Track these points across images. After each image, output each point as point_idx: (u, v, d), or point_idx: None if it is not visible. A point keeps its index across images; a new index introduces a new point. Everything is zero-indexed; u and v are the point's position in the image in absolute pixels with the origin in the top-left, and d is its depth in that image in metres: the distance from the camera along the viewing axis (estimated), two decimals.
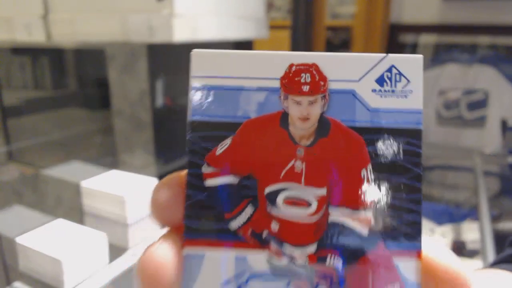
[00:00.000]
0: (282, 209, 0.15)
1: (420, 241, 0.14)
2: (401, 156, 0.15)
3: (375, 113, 0.15)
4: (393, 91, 0.15)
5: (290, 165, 0.15)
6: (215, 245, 0.15)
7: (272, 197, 0.15)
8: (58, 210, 0.80)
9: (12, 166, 1.18)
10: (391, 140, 0.15)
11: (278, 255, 0.15)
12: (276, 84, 0.15)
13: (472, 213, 1.29)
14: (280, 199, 0.15)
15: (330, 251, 0.15)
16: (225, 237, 0.15)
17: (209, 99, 0.15)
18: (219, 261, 0.15)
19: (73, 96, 1.32)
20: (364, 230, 0.15)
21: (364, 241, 0.14)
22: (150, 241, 0.15)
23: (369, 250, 0.14)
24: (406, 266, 0.14)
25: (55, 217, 0.62)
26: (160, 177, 0.74)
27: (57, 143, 1.27)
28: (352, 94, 0.15)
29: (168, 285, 0.14)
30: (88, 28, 0.97)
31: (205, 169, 0.15)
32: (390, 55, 0.15)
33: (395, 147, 0.15)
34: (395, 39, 1.79)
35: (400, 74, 0.15)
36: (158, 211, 0.15)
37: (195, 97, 0.15)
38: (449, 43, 1.72)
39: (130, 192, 0.67)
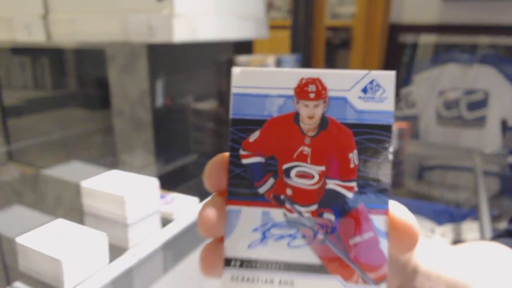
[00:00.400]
0: (294, 180, 0.21)
1: (388, 203, 0.21)
2: (377, 143, 0.21)
3: (360, 113, 0.21)
4: (373, 97, 0.21)
5: (300, 149, 0.21)
6: (248, 204, 0.21)
7: (287, 172, 0.21)
8: (58, 210, 0.81)
9: (12, 166, 1.18)
10: (371, 132, 0.21)
11: (291, 211, 0.21)
12: (291, 92, 0.21)
13: (472, 213, 1.28)
14: (293, 173, 0.21)
15: (326, 209, 0.21)
16: (255, 199, 0.21)
17: (244, 103, 0.21)
18: (251, 215, 0.21)
19: (73, 96, 1.32)
20: (350, 195, 0.21)
21: (349, 202, 0.21)
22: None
23: (353, 208, 0.21)
24: (378, 220, 0.20)
25: (55, 217, 0.62)
26: (160, 177, 0.74)
27: (57, 143, 1.27)
28: (344, 99, 0.21)
29: (217, 230, 0.21)
30: (88, 28, 0.97)
31: (242, 152, 0.21)
32: (372, 72, 0.21)
33: (373, 137, 0.21)
34: (395, 39, 1.79)
35: (378, 85, 0.21)
36: (209, 180, 0.22)
37: (235, 101, 0.21)
38: (449, 43, 1.72)
39: (130, 192, 0.67)
